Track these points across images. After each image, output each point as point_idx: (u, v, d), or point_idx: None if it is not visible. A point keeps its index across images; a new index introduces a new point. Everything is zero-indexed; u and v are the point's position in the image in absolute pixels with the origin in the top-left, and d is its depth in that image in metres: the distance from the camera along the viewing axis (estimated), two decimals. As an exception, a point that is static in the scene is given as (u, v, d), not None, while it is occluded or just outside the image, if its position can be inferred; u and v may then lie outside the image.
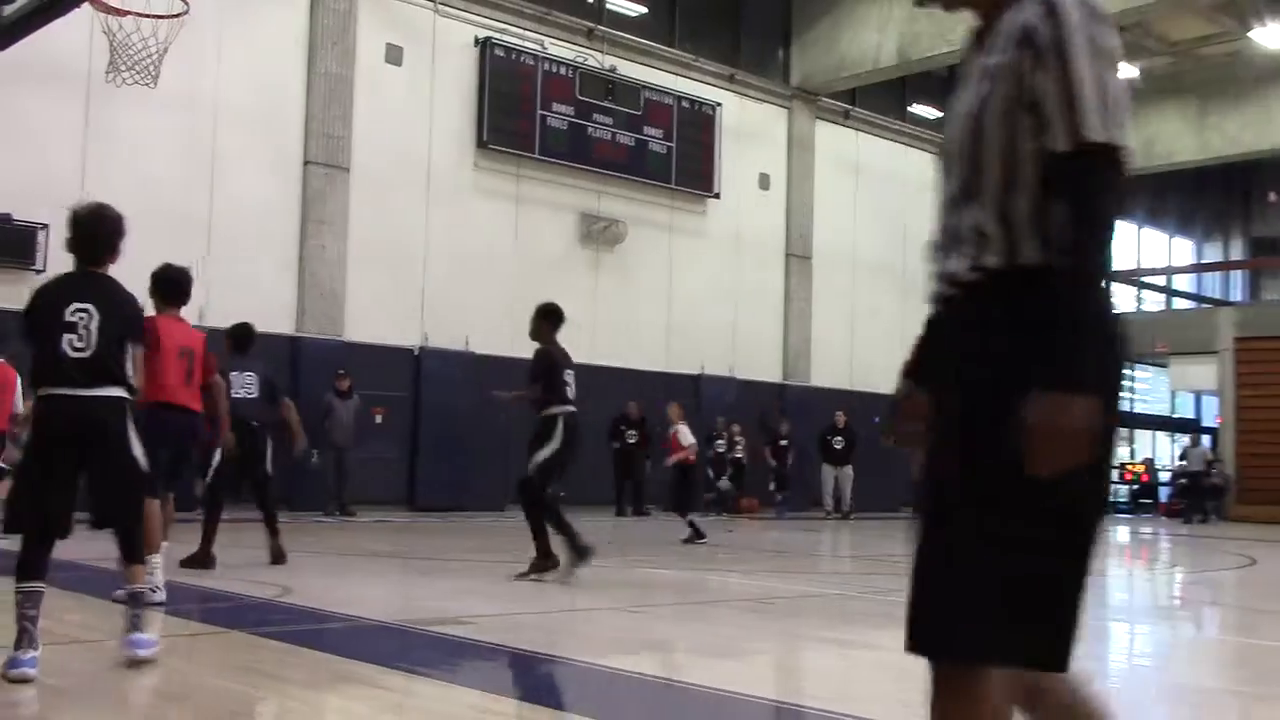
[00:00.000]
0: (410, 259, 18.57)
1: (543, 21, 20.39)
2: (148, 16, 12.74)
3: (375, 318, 17.90)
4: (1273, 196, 34.87)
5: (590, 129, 20.63)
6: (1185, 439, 36.11)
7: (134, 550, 5.24)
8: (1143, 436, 35.61)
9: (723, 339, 22.59)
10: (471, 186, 19.55)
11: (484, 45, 19.48)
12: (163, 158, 16.38)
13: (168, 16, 12.81)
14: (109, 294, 5.18)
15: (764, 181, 23.72)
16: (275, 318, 17.17)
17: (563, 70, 20.34)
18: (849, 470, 21.68)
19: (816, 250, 24.44)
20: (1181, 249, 35.58)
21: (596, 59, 20.91)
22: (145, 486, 5.49)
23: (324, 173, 17.72)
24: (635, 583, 9.54)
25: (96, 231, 5.26)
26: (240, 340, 9.93)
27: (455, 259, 19.00)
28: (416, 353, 18.33)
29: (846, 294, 25.10)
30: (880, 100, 25.81)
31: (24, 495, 4.94)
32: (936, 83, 26.80)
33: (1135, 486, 32.40)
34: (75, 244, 5.25)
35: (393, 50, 18.69)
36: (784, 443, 22.01)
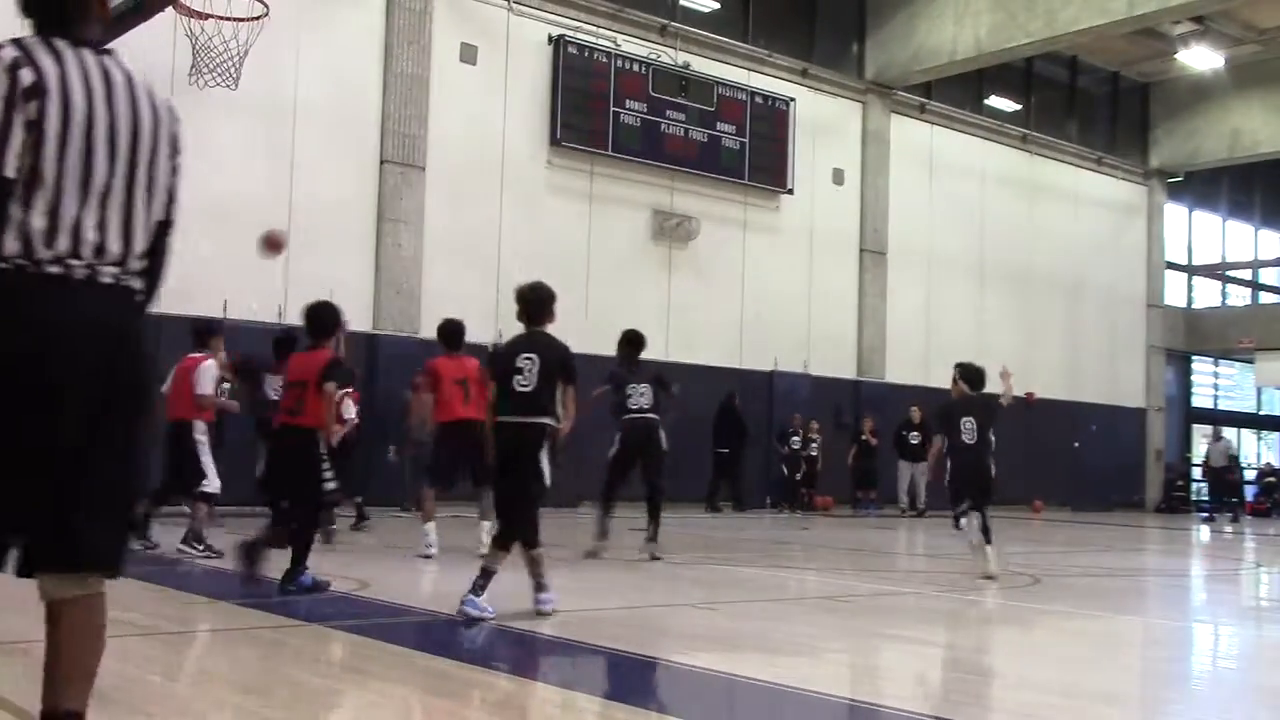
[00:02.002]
0: (485, 256, 18.70)
1: (616, 19, 20.42)
2: (229, 20, 12.99)
3: (451, 315, 18.00)
4: (1363, 187, 33.88)
5: (663, 125, 20.62)
6: (1274, 436, 35.40)
7: (531, 536, 6.79)
8: (1227, 434, 34.72)
9: (796, 335, 22.47)
10: (545, 184, 19.65)
11: (557, 43, 19.57)
12: (243, 159, 16.67)
13: (248, 19, 13.06)
14: (545, 346, 6.95)
15: (838, 176, 23.54)
16: (353, 315, 17.34)
17: (635, 67, 20.35)
18: (924, 467, 21.49)
19: (891, 245, 24.21)
20: (1269, 241, 34.67)
21: (669, 55, 20.89)
22: (543, 494, 6.91)
23: (400, 171, 17.92)
24: (712, 580, 9.54)
25: (537, 299, 7.21)
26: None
27: (529, 256, 19.07)
28: (491, 350, 18.44)
29: (921, 289, 24.84)
30: (956, 93, 25.48)
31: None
32: (1014, 74, 26.44)
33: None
34: (521, 311, 7.17)
35: (467, 49, 18.84)
36: (865, 438, 21.87)
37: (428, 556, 9.95)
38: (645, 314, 19.72)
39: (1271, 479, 30.64)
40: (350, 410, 12.11)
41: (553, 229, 19.58)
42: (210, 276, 16.17)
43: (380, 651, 5.78)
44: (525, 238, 19.08)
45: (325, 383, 7.66)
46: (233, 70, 13.24)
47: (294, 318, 16.67)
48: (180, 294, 16.89)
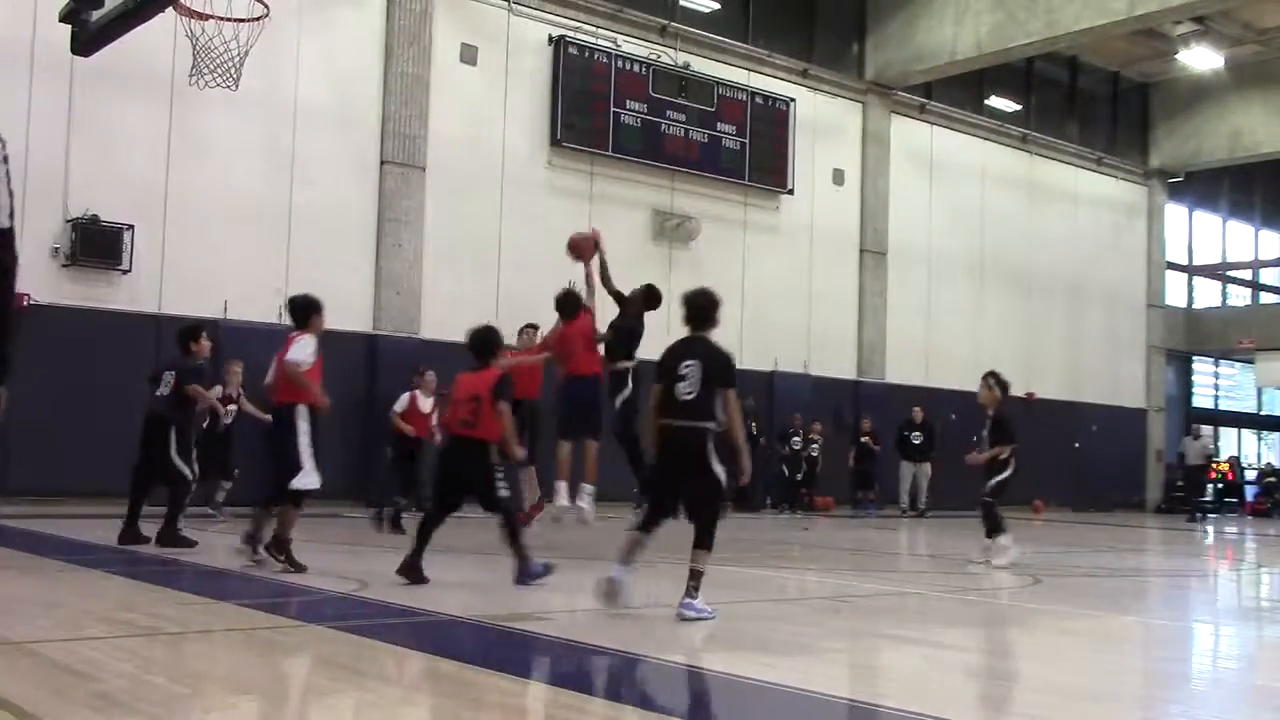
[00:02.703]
0: (485, 257, 18.72)
1: (616, 19, 20.43)
2: (229, 20, 12.98)
3: (451, 315, 17.99)
4: (1364, 187, 33.89)
5: (663, 126, 20.64)
6: (1275, 436, 35.39)
7: (705, 539, 6.99)
8: (1228, 434, 34.78)
9: (796, 335, 22.47)
10: (545, 184, 19.66)
11: (558, 43, 19.58)
12: (244, 159, 16.69)
13: (249, 20, 13.04)
14: (707, 352, 7.13)
15: (838, 177, 23.55)
16: (353, 316, 17.42)
17: (636, 67, 20.36)
18: (927, 467, 21.52)
19: (891, 245, 24.22)
20: (1269, 242, 34.68)
21: (669, 56, 20.90)
22: (722, 495, 7.16)
23: (400, 172, 17.93)
24: (712, 580, 9.52)
25: (701, 305, 7.48)
26: None
27: (529, 256, 19.08)
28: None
29: (922, 289, 24.85)
30: (957, 93, 25.48)
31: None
32: (1015, 74, 26.44)
33: (1220, 485, 31.65)
34: (686, 317, 7.44)
35: (467, 50, 18.85)
36: (865, 439, 21.89)
37: None
38: (646, 314, 19.72)
39: (1272, 479, 30.65)
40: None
41: (553, 229, 19.48)
42: (211, 277, 16.20)
43: (379, 652, 5.79)
44: (525, 238, 19.08)
45: (498, 400, 8.36)
46: (233, 71, 13.21)
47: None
48: (181, 294, 16.97)
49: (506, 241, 18.97)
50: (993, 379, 11.71)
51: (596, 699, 5.19)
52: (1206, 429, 29.29)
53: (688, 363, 7.04)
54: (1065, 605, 9.06)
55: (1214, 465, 29.02)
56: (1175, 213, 31.20)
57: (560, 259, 19.42)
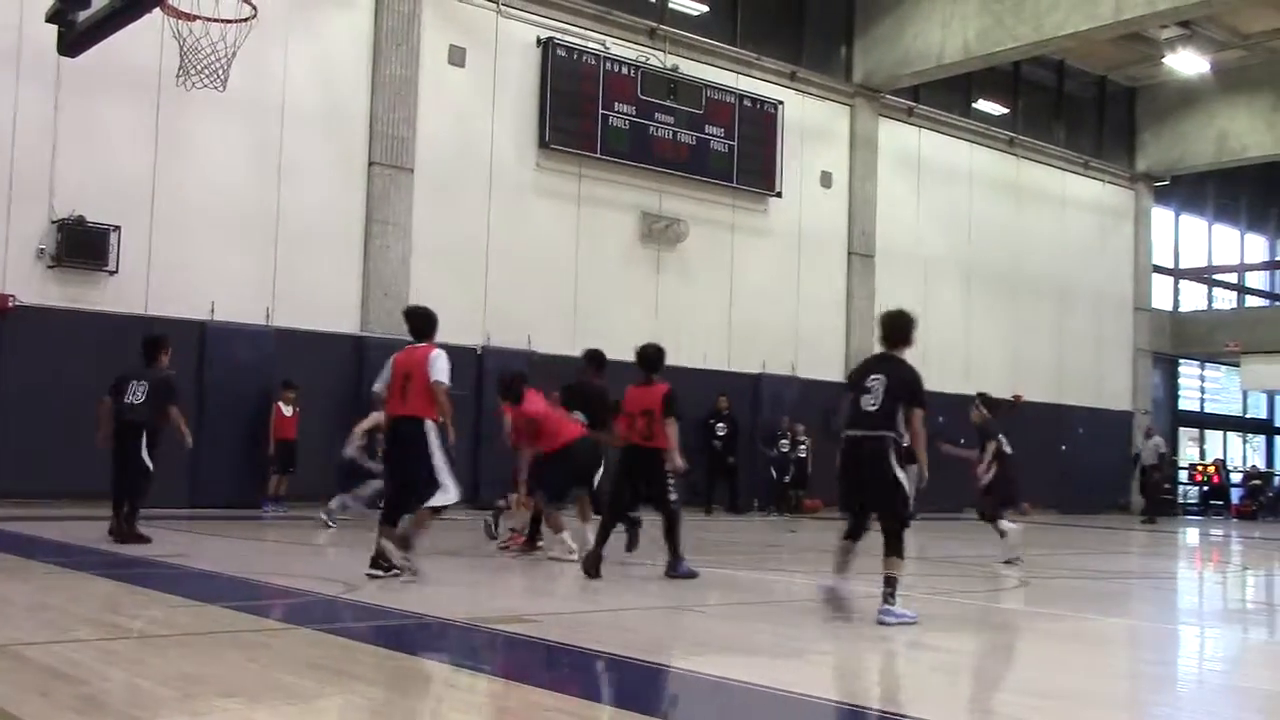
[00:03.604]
0: (473, 259, 18.69)
1: (604, 21, 20.43)
2: (217, 21, 12.93)
3: (439, 317, 17.95)
4: (1348, 191, 34.06)
5: (652, 128, 20.64)
6: (1260, 439, 35.55)
7: (895, 546, 7.56)
8: (1213, 437, 34.93)
9: (784, 338, 22.50)
10: (533, 186, 19.65)
11: (546, 45, 19.57)
12: (231, 160, 16.65)
13: (236, 21, 12.99)
14: (894, 370, 7.56)
15: (826, 179, 23.58)
16: (340, 317, 17.40)
17: (624, 70, 20.36)
18: (910, 470, 21.44)
19: (879, 248, 24.26)
20: (1254, 246, 34.84)
21: (658, 58, 20.91)
22: (906, 503, 7.69)
23: (388, 173, 17.90)
24: (699, 582, 9.55)
25: (896, 325, 7.87)
26: None
27: (517, 259, 19.10)
28: (479, 352, 18.42)
29: (909, 291, 24.78)
30: (944, 97, 25.54)
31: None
32: (1002, 78, 26.51)
33: (1206, 488, 31.81)
34: (881, 335, 7.84)
35: (456, 51, 18.83)
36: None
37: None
38: (633, 316, 19.76)
39: (1257, 481, 30.79)
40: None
41: (541, 231, 19.58)
42: (198, 278, 16.16)
43: (366, 654, 5.78)
44: (513, 240, 19.08)
45: (668, 415, 9.38)
46: (220, 72, 13.17)
47: (281, 320, 16.78)
48: (168, 296, 16.91)
49: (495, 243, 18.95)
50: (979, 399, 12.59)
51: (583, 700, 5.19)
52: (1156, 430, 29.17)
53: (874, 377, 7.53)
54: (1051, 607, 9.10)
55: (1169, 465, 29.29)
56: (1161, 216, 31.32)
57: (548, 261, 19.57)
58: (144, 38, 14.15)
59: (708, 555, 12.30)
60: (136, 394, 11.03)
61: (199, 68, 13.07)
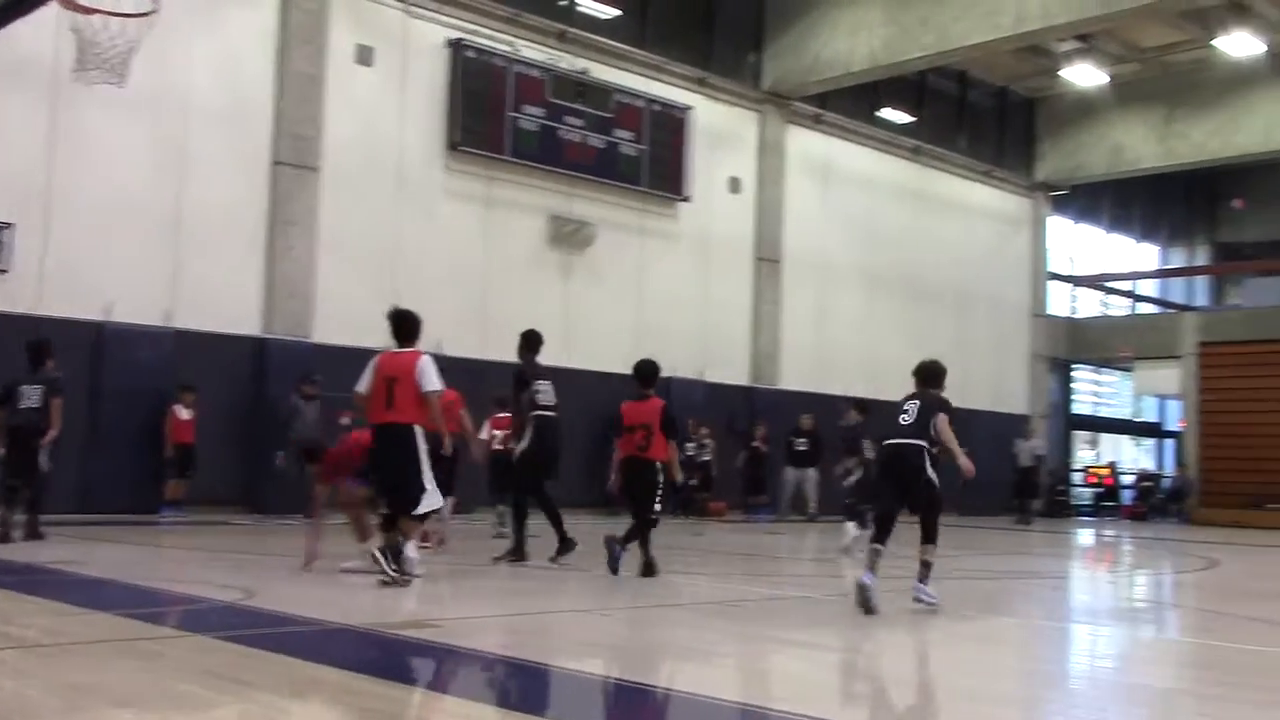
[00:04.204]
0: (380, 260, 18.49)
1: (514, 23, 20.37)
2: (116, 15, 12.63)
3: (345, 319, 17.77)
4: (1236, 203, 35.21)
5: (561, 131, 20.62)
6: (1151, 442, 36.58)
7: (931, 535, 8.47)
8: (1106, 440, 35.90)
9: (692, 342, 22.60)
10: (442, 188, 19.51)
11: (455, 46, 19.45)
12: (130, 158, 16.28)
13: (137, 15, 12.70)
14: (926, 398, 8.62)
15: (734, 185, 23.77)
16: (243, 319, 17.11)
17: (534, 72, 20.32)
18: (812, 473, 21.62)
19: (786, 253, 24.51)
20: (1146, 254, 35.89)
21: (568, 61, 20.90)
22: (940, 497, 8.53)
23: (293, 173, 17.64)
24: (603, 587, 9.57)
25: (931, 372, 8.92)
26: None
27: (426, 260, 18.95)
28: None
29: (814, 297, 25.19)
30: (852, 104, 25.90)
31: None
32: (909, 87, 26.94)
33: (1099, 489, 32.70)
34: (921, 380, 8.90)
35: (363, 50, 18.62)
36: (757, 445, 22.10)
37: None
38: (542, 319, 19.50)
39: (1148, 484, 31.69)
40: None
41: (449, 233, 19.46)
42: (95, 278, 15.77)
43: (263, 661, 5.70)
44: (421, 242, 18.94)
45: (667, 433, 10.10)
46: (120, 67, 12.86)
47: (181, 321, 16.45)
48: (63, 296, 16.48)
49: (402, 245, 18.78)
50: (853, 405, 14.59)
51: (483, 705, 5.18)
52: (1036, 431, 29.81)
53: (910, 402, 8.64)
54: (949, 607, 9.26)
55: (1063, 467, 30.29)
56: (1059, 224, 32.11)
57: (457, 263, 19.44)
58: (38, 30, 13.80)
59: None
60: (32, 399, 11.24)
61: (97, 62, 12.76)
